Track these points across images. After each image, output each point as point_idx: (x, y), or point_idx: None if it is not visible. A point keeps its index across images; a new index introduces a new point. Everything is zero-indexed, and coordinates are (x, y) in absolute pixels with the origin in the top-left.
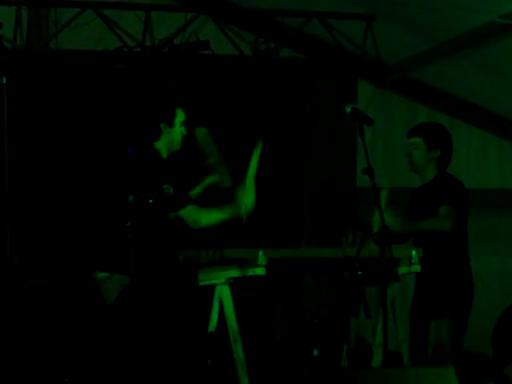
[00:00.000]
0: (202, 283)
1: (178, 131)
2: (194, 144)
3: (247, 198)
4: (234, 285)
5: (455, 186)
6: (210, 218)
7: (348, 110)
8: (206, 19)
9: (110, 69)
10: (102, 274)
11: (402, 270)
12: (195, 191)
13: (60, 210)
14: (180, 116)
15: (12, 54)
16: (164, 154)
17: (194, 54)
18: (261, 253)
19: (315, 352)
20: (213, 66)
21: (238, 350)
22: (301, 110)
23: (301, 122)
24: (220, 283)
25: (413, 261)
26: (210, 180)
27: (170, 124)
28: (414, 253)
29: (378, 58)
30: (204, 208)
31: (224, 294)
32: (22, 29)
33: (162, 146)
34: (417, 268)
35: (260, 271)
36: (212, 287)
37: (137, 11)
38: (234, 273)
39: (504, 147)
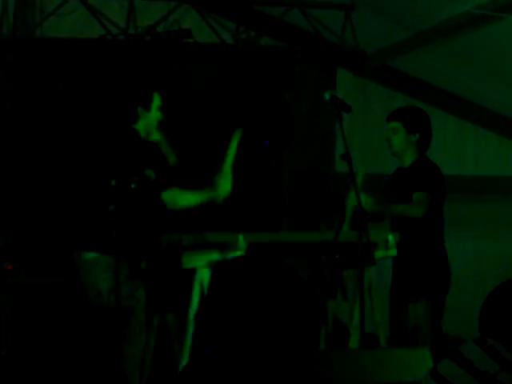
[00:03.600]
0: (183, 266)
1: (154, 116)
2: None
3: (224, 184)
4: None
5: (432, 171)
6: (186, 200)
7: (327, 97)
8: (189, 8)
9: (94, 56)
10: (90, 255)
11: (379, 254)
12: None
13: (44, 193)
14: (156, 100)
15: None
16: (143, 135)
17: (177, 42)
18: (241, 237)
19: None
20: (195, 53)
21: None
22: (281, 98)
23: (281, 109)
24: (201, 266)
25: (389, 245)
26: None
27: (147, 108)
28: (390, 237)
29: (357, 47)
30: (182, 190)
31: (205, 277)
32: (9, 17)
33: (140, 128)
34: (393, 252)
35: (240, 254)
36: (193, 270)
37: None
38: (215, 256)
39: (479, 135)
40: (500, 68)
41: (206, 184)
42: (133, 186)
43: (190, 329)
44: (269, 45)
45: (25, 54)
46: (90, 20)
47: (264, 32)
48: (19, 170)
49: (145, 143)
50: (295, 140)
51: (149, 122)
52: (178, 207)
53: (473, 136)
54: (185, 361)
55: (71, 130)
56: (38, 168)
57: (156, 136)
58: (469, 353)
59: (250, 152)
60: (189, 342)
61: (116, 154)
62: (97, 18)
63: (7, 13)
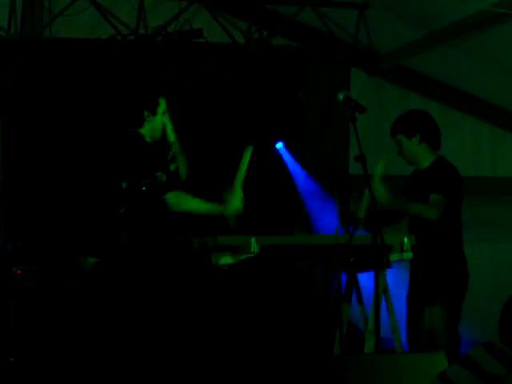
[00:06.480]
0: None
1: (159, 120)
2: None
3: (233, 201)
4: None
5: (449, 173)
6: (190, 204)
7: (340, 97)
8: (200, 7)
9: (103, 57)
10: (92, 259)
11: (394, 256)
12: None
13: (54, 197)
14: (162, 105)
15: (7, 43)
16: (147, 140)
17: (188, 42)
18: (253, 240)
19: None
20: (206, 54)
21: None
22: (294, 98)
23: (294, 110)
24: None
25: (405, 248)
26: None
27: (153, 112)
28: (405, 240)
29: (371, 47)
30: (189, 195)
31: None
32: (17, 17)
33: (145, 132)
34: (409, 255)
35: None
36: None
37: None
38: (227, 259)
39: (496, 135)
40: None
41: (216, 198)
42: (144, 188)
43: None
44: (281, 44)
45: (33, 55)
46: (100, 20)
47: (276, 31)
48: (28, 173)
49: (154, 145)
50: (308, 141)
51: (154, 126)
52: (180, 209)
53: (489, 136)
54: None
55: (80, 132)
56: (47, 172)
57: (171, 138)
58: (478, 357)
59: (262, 154)
60: None
61: (126, 156)
62: (106, 19)
63: (15, 13)
